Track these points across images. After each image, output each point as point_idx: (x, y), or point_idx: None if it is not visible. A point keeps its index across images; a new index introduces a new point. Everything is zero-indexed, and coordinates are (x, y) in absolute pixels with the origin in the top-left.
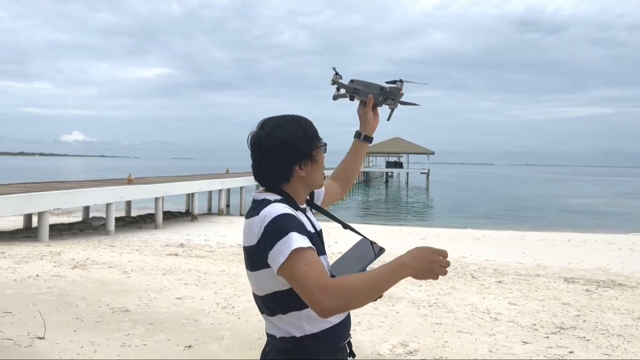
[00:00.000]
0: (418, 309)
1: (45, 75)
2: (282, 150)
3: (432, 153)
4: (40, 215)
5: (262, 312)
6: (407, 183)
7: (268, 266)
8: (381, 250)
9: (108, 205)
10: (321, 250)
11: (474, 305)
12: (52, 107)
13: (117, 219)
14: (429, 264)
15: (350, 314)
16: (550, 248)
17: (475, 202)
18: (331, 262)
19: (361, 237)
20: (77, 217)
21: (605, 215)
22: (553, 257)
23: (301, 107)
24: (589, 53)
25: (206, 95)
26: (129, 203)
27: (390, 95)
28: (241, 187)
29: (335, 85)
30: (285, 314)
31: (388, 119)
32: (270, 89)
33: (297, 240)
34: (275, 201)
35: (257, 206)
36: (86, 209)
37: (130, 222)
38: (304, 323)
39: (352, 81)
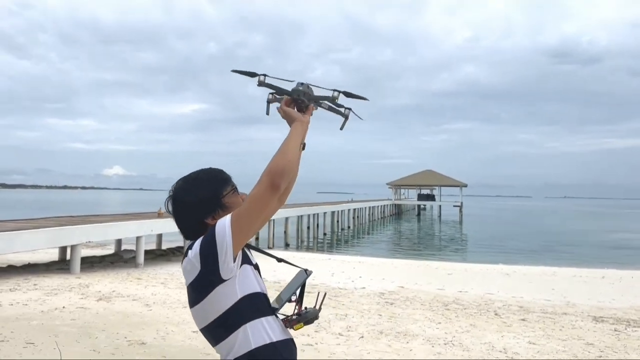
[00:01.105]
0: (432, 346)
1: (89, 112)
2: (188, 209)
3: (465, 185)
4: (72, 248)
5: (216, 342)
6: (439, 216)
7: (220, 280)
8: (310, 272)
9: (138, 238)
10: (259, 283)
11: (491, 344)
12: (94, 143)
13: (147, 252)
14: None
15: (295, 342)
16: (582, 285)
17: (509, 237)
18: (271, 294)
19: (299, 269)
20: (110, 250)
21: None
22: (584, 295)
23: (333, 140)
24: (628, 83)
25: (240, 129)
26: (159, 236)
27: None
28: (273, 220)
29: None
30: (238, 328)
31: (341, 128)
32: None
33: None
34: None
35: (187, 248)
36: (118, 242)
37: (160, 255)
38: (253, 334)
39: (303, 84)
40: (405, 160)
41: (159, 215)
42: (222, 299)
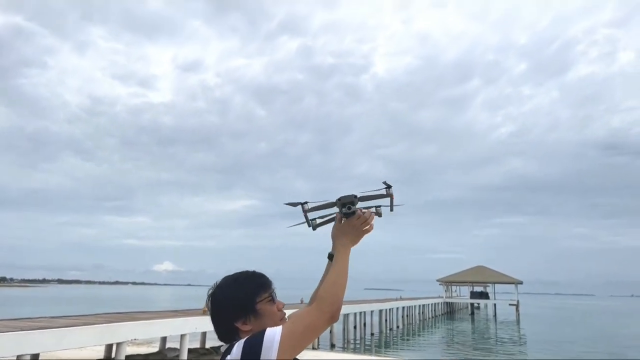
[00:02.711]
0: None
1: (145, 210)
2: (222, 310)
3: (520, 283)
4: (118, 345)
5: None
6: (494, 315)
7: None
8: None
9: (182, 336)
10: None
11: None
12: (147, 239)
13: (191, 350)
14: (358, 231)
15: None
16: None
17: (571, 339)
18: None
19: None
20: (156, 347)
21: None
22: None
23: (378, 234)
24: None
25: (288, 224)
26: (203, 334)
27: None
28: None
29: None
30: None
31: (391, 209)
32: None
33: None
34: None
35: (225, 352)
36: (163, 339)
37: (203, 354)
38: None
39: (355, 196)
40: (454, 255)
41: (204, 312)
42: None
